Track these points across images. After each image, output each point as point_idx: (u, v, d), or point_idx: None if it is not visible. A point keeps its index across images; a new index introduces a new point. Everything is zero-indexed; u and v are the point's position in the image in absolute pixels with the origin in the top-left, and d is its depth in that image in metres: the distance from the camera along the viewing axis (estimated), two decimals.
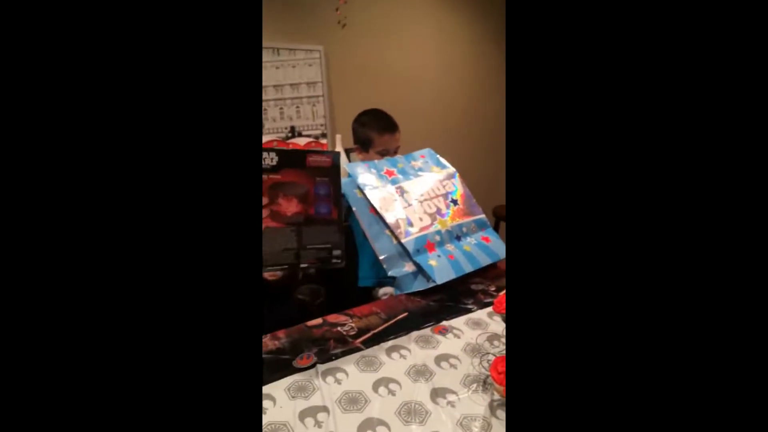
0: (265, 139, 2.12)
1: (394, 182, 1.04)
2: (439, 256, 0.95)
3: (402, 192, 1.02)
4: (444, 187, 1.08)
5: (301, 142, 2.22)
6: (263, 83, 2.06)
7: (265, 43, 2.02)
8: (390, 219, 0.95)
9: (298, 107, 2.19)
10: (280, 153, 0.65)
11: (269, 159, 0.63)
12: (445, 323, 0.77)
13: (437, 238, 0.98)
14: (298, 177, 0.65)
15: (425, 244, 0.95)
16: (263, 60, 2.04)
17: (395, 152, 1.26)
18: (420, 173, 1.10)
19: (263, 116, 2.10)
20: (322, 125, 2.27)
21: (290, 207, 0.65)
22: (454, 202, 1.07)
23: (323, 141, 2.28)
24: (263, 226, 0.63)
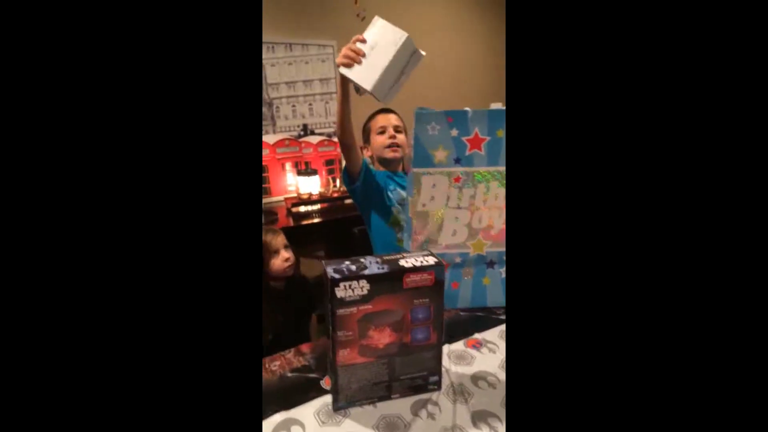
0: (276, 138, 2.08)
1: (465, 163, 0.75)
2: None
3: (463, 184, 0.76)
4: None
5: (313, 140, 2.18)
6: (276, 80, 2.03)
7: (277, 39, 1.98)
8: (414, 220, 0.77)
9: (310, 104, 2.14)
10: (372, 279, 0.51)
11: (359, 288, 0.50)
12: (477, 336, 0.72)
13: (457, 259, 0.81)
14: (393, 303, 0.52)
15: None
16: (276, 56, 1.99)
17: (396, 129, 1.21)
18: None
19: (276, 114, 2.07)
20: (335, 123, 2.22)
21: (382, 338, 0.53)
22: None
23: (336, 139, 2.24)
24: (349, 362, 0.53)
